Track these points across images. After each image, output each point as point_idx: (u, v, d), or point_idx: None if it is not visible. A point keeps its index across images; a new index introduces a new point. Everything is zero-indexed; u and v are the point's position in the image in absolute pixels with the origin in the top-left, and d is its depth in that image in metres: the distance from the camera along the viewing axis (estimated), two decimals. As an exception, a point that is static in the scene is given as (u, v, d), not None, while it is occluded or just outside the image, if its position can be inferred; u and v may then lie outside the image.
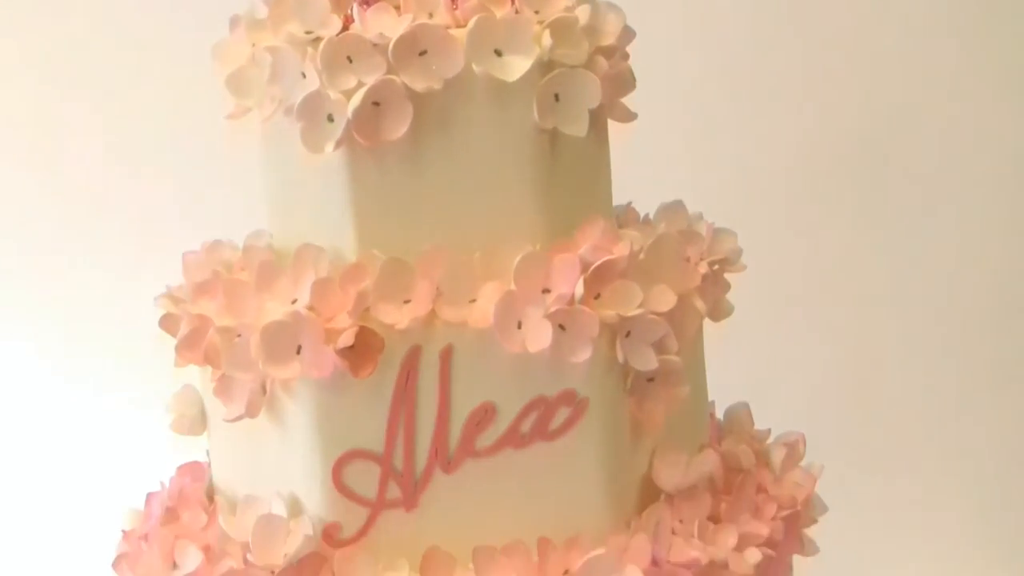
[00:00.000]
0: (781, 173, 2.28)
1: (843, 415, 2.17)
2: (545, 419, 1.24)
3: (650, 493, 1.30)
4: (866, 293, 2.31)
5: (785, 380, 2.09)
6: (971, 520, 2.25)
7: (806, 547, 1.39)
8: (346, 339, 1.20)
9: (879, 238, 2.32)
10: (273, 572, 1.24)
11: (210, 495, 1.41)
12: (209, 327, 1.30)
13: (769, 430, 1.46)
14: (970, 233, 2.31)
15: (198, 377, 1.38)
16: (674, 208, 1.38)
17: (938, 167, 2.31)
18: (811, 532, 1.42)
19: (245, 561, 1.26)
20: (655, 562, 1.23)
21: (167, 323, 1.37)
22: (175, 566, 1.33)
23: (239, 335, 1.26)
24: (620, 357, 1.24)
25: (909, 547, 2.18)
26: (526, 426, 1.24)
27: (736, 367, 1.52)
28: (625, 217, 1.39)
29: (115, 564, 1.41)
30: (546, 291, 1.22)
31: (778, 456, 1.42)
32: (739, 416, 1.45)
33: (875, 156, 2.31)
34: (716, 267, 1.37)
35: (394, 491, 1.25)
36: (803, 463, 1.44)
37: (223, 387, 1.29)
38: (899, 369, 2.31)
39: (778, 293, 2.12)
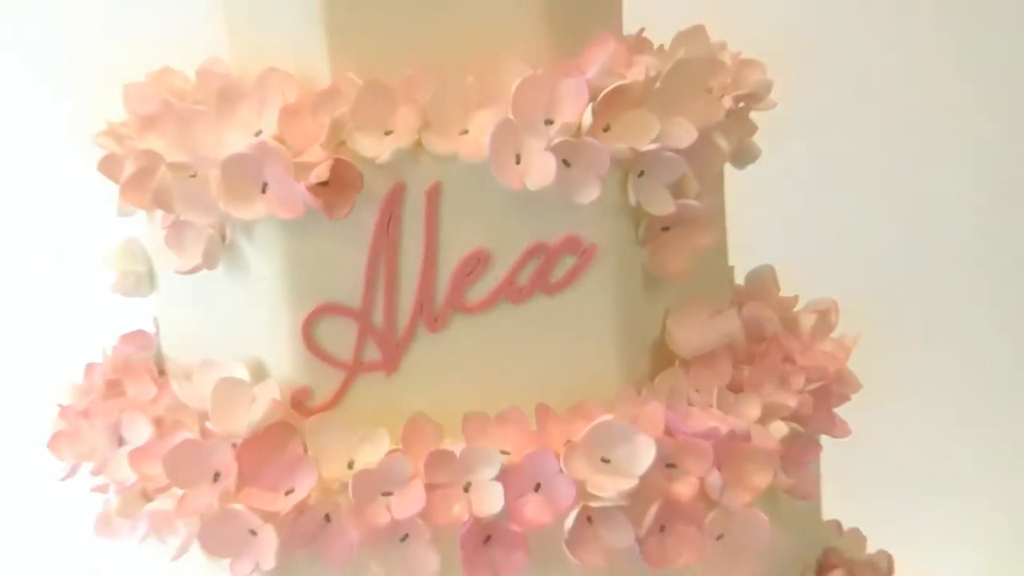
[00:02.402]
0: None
1: (885, 289, 2.15)
2: (546, 268, 1.25)
3: (664, 358, 1.31)
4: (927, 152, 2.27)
5: (819, 246, 2.07)
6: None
7: (837, 427, 1.40)
8: (319, 174, 1.20)
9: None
10: (235, 443, 1.24)
11: (159, 366, 1.41)
12: (159, 165, 1.29)
13: (797, 297, 1.46)
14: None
15: (145, 227, 1.38)
16: (694, 33, 1.36)
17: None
18: (843, 411, 1.41)
19: (203, 431, 1.27)
20: (669, 431, 1.23)
21: (108, 165, 1.37)
22: (121, 441, 1.33)
23: (195, 173, 1.25)
24: (632, 199, 1.25)
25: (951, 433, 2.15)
26: (524, 276, 1.25)
27: (762, 226, 1.51)
28: (637, 45, 1.39)
29: (51, 443, 1.41)
30: (549, 121, 1.22)
31: (807, 323, 1.43)
32: (763, 279, 1.46)
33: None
34: (742, 103, 1.37)
35: (373, 351, 1.26)
36: (835, 333, 1.45)
37: (176, 234, 1.29)
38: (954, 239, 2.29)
39: (818, 140, 2.09)
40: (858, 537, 1.50)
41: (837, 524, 1.50)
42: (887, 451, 2.08)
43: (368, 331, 1.24)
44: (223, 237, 1.27)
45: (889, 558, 1.50)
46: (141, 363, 1.40)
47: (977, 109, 2.31)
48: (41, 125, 1.98)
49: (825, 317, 1.43)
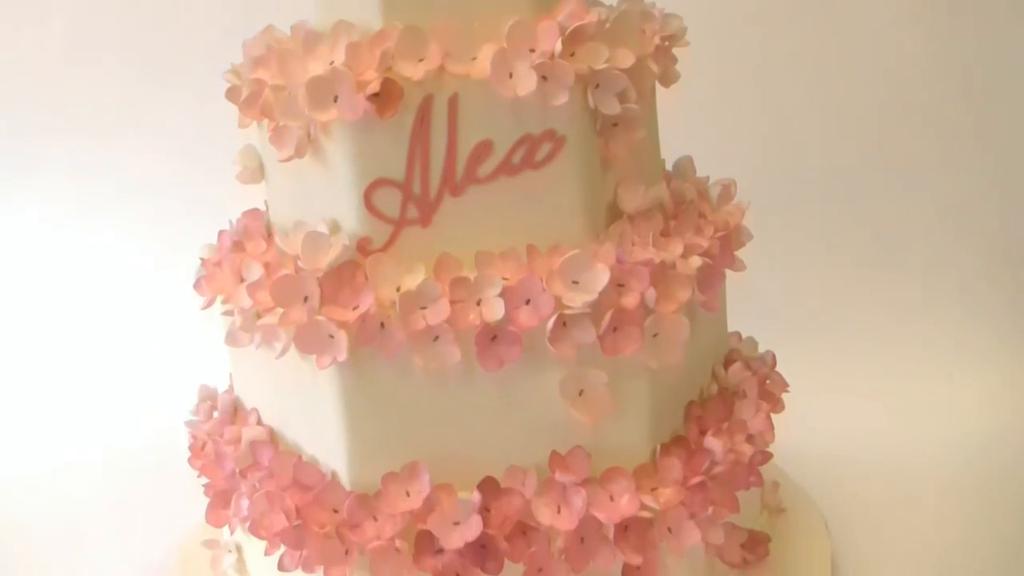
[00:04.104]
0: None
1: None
2: (532, 152, 1.21)
3: (615, 214, 1.28)
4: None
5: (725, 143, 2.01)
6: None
7: (736, 264, 1.37)
8: (373, 87, 1.18)
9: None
10: (318, 276, 1.22)
11: (268, 230, 1.39)
12: (265, 88, 1.27)
13: (708, 176, 1.43)
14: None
15: (256, 134, 1.35)
16: (633, -6, 1.34)
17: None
18: (739, 254, 1.39)
19: (296, 269, 1.24)
20: (619, 261, 1.21)
21: (232, 94, 1.34)
22: (242, 279, 1.32)
23: (289, 91, 1.22)
24: (591, 103, 1.21)
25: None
26: (517, 158, 1.21)
27: (686, 134, 1.47)
28: (592, 2, 1.34)
29: (195, 285, 1.39)
30: (532, 50, 1.19)
31: (715, 192, 1.40)
32: (685, 165, 1.43)
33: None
34: (666, 42, 1.33)
35: (412, 211, 1.23)
36: (734, 201, 1.42)
37: (277, 136, 1.27)
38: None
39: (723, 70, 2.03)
40: (752, 342, 1.48)
41: (738, 334, 1.48)
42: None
43: (409, 197, 1.21)
44: (309, 136, 1.24)
45: (772, 355, 1.48)
46: (256, 228, 1.38)
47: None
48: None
49: (727, 190, 1.40)
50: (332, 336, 1.20)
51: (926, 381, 1.92)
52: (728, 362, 1.43)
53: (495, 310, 1.18)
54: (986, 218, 2.09)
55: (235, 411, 1.44)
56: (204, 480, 1.44)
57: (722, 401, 1.37)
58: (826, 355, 1.96)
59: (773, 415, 1.43)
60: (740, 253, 1.40)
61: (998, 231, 2.07)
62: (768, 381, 1.46)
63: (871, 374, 1.95)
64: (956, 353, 1.96)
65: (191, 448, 1.46)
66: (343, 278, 1.22)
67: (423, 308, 1.19)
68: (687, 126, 1.55)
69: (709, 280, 1.29)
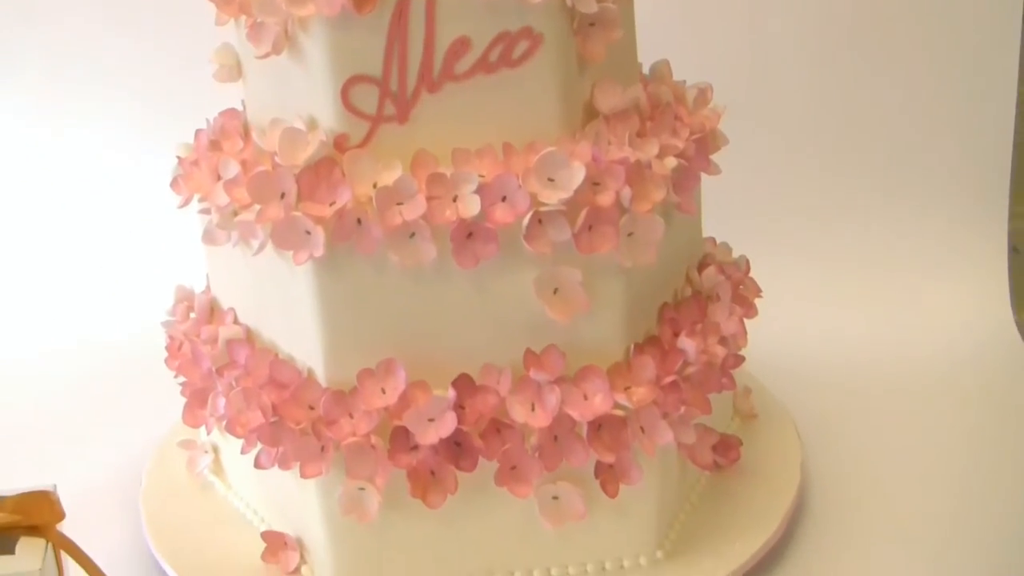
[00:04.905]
0: None
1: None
2: (509, 50, 1.21)
3: (591, 114, 1.29)
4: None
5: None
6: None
7: (711, 167, 1.38)
8: (351, -18, 1.18)
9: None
10: (295, 172, 1.23)
11: (245, 129, 1.39)
12: (242, -17, 1.27)
13: (685, 80, 1.43)
14: None
15: (233, 31, 1.35)
16: None
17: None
18: (716, 159, 1.40)
19: (274, 165, 1.25)
20: (594, 159, 1.21)
21: (209, -11, 1.33)
22: (219, 178, 1.32)
23: (266, -14, 1.22)
24: (568, 1, 1.22)
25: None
26: (494, 55, 1.21)
27: (663, 38, 1.48)
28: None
29: (172, 184, 1.40)
30: (509, -55, 1.18)
31: (691, 96, 1.41)
32: (661, 69, 1.44)
33: None
34: (644, -58, 1.33)
35: (390, 108, 1.23)
36: (710, 105, 1.42)
37: (254, 32, 1.27)
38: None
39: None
40: (726, 247, 1.50)
41: (713, 239, 1.49)
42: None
43: (387, 94, 1.22)
44: (286, 32, 1.24)
45: (747, 261, 1.50)
46: (233, 127, 1.38)
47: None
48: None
49: (704, 93, 1.41)
50: (309, 232, 1.21)
51: (899, 289, 1.94)
52: (702, 266, 1.45)
53: (471, 206, 1.19)
54: (964, 122, 2.08)
55: (212, 311, 1.45)
56: (180, 381, 1.45)
57: (696, 304, 1.38)
58: (801, 263, 1.98)
59: (747, 321, 1.45)
60: (716, 158, 1.40)
61: (977, 134, 2.07)
62: (742, 286, 1.48)
63: (845, 282, 1.97)
64: (933, 259, 1.98)
65: (168, 349, 1.47)
66: (320, 174, 1.22)
67: (400, 204, 1.20)
68: (664, 30, 1.55)
69: (684, 182, 1.30)
